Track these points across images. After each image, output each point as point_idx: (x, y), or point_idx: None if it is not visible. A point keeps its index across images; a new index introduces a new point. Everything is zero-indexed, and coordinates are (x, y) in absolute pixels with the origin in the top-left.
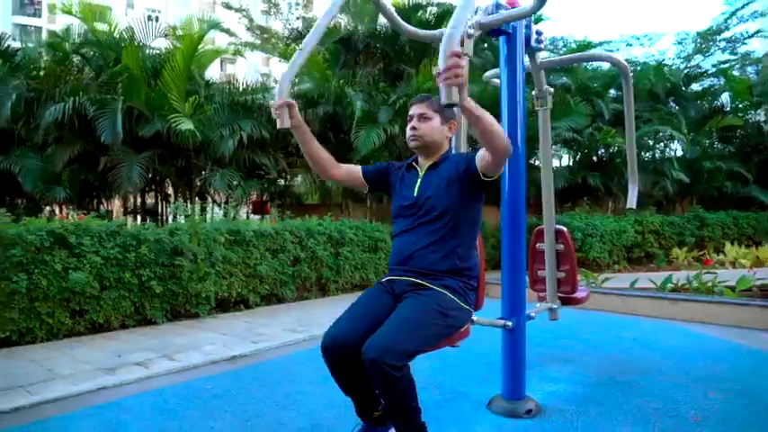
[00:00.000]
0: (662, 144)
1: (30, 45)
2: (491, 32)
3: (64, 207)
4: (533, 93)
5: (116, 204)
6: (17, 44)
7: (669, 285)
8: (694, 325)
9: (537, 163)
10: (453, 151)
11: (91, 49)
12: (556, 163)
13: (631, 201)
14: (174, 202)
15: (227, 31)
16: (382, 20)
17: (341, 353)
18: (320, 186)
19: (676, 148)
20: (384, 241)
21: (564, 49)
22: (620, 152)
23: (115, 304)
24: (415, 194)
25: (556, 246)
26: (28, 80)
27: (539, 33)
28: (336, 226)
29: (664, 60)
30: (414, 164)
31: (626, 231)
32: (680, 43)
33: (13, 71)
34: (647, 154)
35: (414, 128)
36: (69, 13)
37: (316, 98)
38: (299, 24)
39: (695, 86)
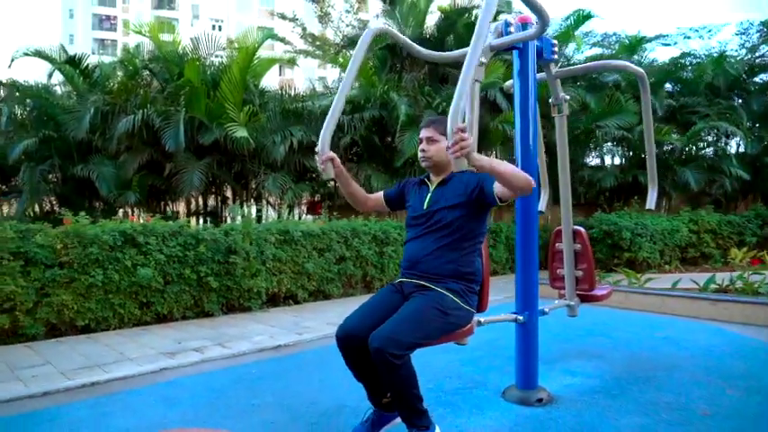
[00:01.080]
0: (720, 140)
1: (106, 62)
2: (507, 49)
3: (135, 209)
4: (550, 100)
5: (182, 207)
6: (96, 57)
7: (712, 286)
8: (733, 326)
9: (592, 162)
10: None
11: (157, 65)
12: (607, 161)
13: (650, 202)
14: (232, 205)
15: (283, 40)
16: (429, 24)
17: (351, 342)
18: (366, 189)
19: (738, 144)
20: None
21: (617, 45)
22: (673, 150)
23: (177, 297)
24: (425, 207)
25: (574, 245)
26: (104, 95)
27: (552, 45)
28: (381, 226)
29: (726, 52)
30: (426, 180)
31: (679, 231)
32: (743, 33)
33: (91, 87)
34: (705, 150)
35: (423, 150)
36: (139, 32)
37: (362, 103)
38: (348, 31)
39: (760, 78)
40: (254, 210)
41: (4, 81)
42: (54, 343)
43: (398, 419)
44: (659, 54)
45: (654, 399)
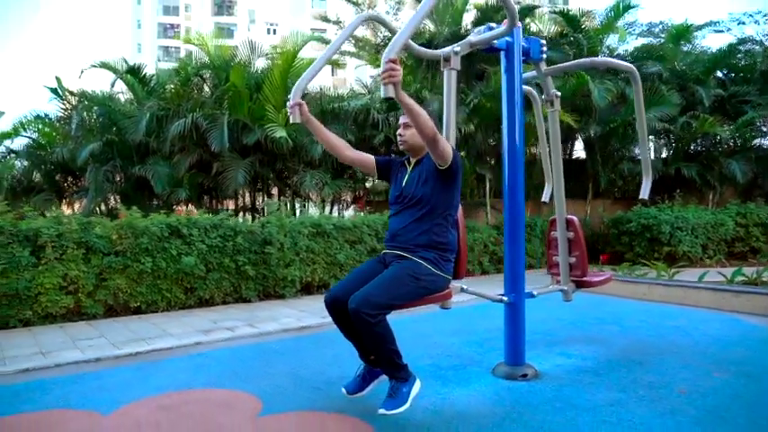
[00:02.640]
0: None
1: (163, 70)
2: (486, 50)
3: (187, 205)
4: (543, 97)
5: (232, 203)
6: (162, 64)
7: (739, 278)
8: (753, 317)
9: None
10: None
11: (207, 71)
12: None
13: (644, 192)
14: (267, 200)
15: (328, 42)
16: (465, 21)
17: (336, 305)
18: None
19: None
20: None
21: (663, 34)
22: (719, 141)
23: (217, 284)
24: (403, 185)
25: (567, 233)
26: (159, 101)
27: (540, 45)
28: None
29: None
30: (406, 162)
31: (724, 224)
32: None
33: (149, 94)
34: (757, 141)
35: (400, 134)
36: (189, 42)
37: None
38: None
39: None
40: (289, 205)
41: (75, 91)
42: (110, 321)
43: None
44: (712, 41)
45: (638, 378)
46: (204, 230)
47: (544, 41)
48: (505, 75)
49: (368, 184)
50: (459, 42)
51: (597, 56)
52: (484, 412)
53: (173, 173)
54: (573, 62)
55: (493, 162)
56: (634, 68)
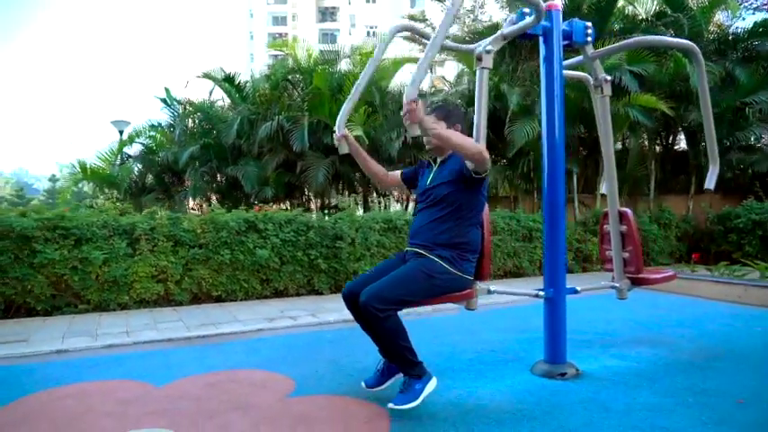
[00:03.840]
0: None
1: (257, 76)
2: (522, 37)
3: (278, 203)
4: (592, 83)
5: (318, 201)
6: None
7: None
8: None
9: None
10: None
11: (295, 75)
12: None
13: (709, 182)
14: (339, 197)
15: (416, 40)
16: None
17: (353, 298)
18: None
19: None
20: (539, 231)
21: None
22: None
23: (291, 276)
24: (427, 185)
25: (620, 227)
26: (250, 105)
27: (585, 27)
28: (491, 216)
29: None
30: (432, 161)
31: None
32: None
33: (243, 99)
34: None
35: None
36: (275, 47)
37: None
38: (474, 26)
39: None
40: (369, 201)
41: (181, 100)
42: (192, 308)
43: None
44: None
45: (693, 384)
46: (279, 225)
47: (590, 24)
48: (544, 63)
49: None
50: (491, 38)
51: (702, 37)
52: (505, 408)
53: (260, 172)
54: (618, 44)
55: (585, 154)
56: (693, 46)
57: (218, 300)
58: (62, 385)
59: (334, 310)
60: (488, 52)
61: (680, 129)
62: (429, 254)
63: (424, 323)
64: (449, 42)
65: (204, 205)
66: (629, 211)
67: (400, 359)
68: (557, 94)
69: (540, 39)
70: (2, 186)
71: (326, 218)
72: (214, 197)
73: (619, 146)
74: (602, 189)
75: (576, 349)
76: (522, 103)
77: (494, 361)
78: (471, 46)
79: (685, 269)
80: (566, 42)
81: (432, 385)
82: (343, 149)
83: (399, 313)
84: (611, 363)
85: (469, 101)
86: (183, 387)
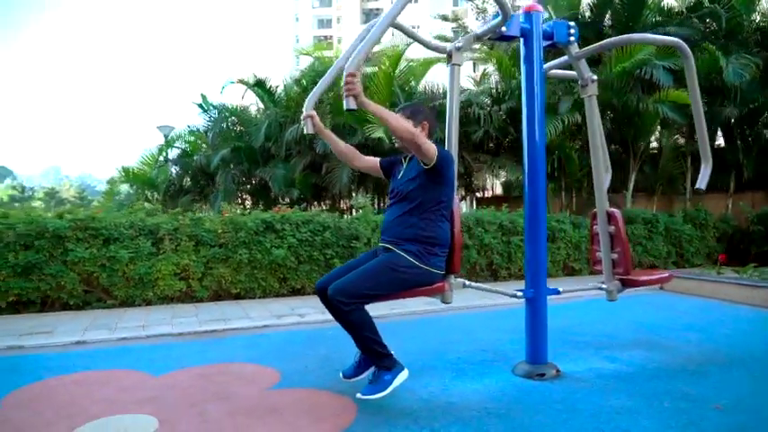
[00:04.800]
0: None
1: (288, 80)
2: (500, 38)
3: (303, 204)
4: (579, 82)
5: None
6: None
7: None
8: None
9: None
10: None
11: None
12: None
13: (701, 182)
14: (355, 197)
15: (447, 39)
16: (584, 5)
17: (324, 292)
18: (504, 182)
19: None
20: (564, 231)
21: None
22: None
23: (308, 275)
24: (396, 181)
25: (608, 228)
26: (280, 109)
27: (567, 27)
28: (509, 216)
29: None
30: (402, 159)
31: None
32: None
33: (274, 104)
34: None
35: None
36: (307, 54)
37: (501, 95)
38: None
39: None
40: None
41: (216, 105)
42: (211, 304)
43: None
44: None
45: (676, 388)
46: (296, 226)
47: (573, 23)
48: (524, 64)
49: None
50: (463, 37)
51: (743, 29)
52: (473, 406)
53: (288, 174)
54: (600, 43)
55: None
56: (680, 42)
57: (238, 297)
58: (72, 373)
59: None
60: (458, 49)
61: (718, 125)
62: (396, 248)
63: (424, 322)
64: (432, 41)
65: (236, 207)
66: (617, 211)
67: (368, 350)
68: (537, 94)
69: (521, 40)
70: (67, 189)
71: (345, 218)
72: (249, 199)
73: (654, 144)
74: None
75: (570, 350)
76: (545, 101)
77: (480, 360)
78: (448, 45)
79: (711, 272)
80: (549, 43)
81: (402, 377)
82: (309, 129)
83: (398, 309)
84: (598, 365)
85: (495, 100)
86: (177, 378)
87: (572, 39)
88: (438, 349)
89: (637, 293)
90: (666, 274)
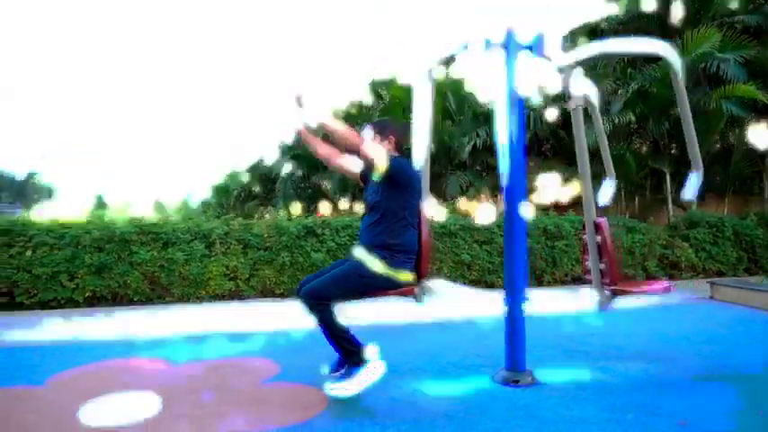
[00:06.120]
0: None
1: None
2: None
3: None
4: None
5: None
6: None
7: None
8: None
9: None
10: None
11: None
12: None
13: (689, 191)
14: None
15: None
16: None
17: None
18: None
19: None
20: (614, 236)
21: None
22: None
23: None
24: (366, 191)
25: (596, 237)
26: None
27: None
28: (555, 220)
29: None
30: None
31: None
32: None
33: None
34: None
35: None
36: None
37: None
38: None
39: None
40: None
41: None
42: (255, 302)
43: None
44: None
45: (647, 402)
46: (336, 230)
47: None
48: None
49: None
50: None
51: None
52: (435, 409)
53: (342, 179)
54: (600, 49)
55: (677, 154)
56: (668, 49)
57: (280, 296)
58: (107, 359)
59: (371, 310)
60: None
61: None
62: (368, 255)
63: (432, 326)
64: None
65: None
66: (604, 221)
67: (339, 348)
68: (513, 106)
69: (504, 51)
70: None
71: None
72: (305, 203)
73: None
74: (601, 200)
75: (564, 360)
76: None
77: (469, 365)
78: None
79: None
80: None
81: (373, 373)
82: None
83: (402, 315)
84: (583, 375)
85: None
86: (191, 368)
87: (551, 50)
88: (433, 354)
89: (683, 303)
90: (665, 285)
